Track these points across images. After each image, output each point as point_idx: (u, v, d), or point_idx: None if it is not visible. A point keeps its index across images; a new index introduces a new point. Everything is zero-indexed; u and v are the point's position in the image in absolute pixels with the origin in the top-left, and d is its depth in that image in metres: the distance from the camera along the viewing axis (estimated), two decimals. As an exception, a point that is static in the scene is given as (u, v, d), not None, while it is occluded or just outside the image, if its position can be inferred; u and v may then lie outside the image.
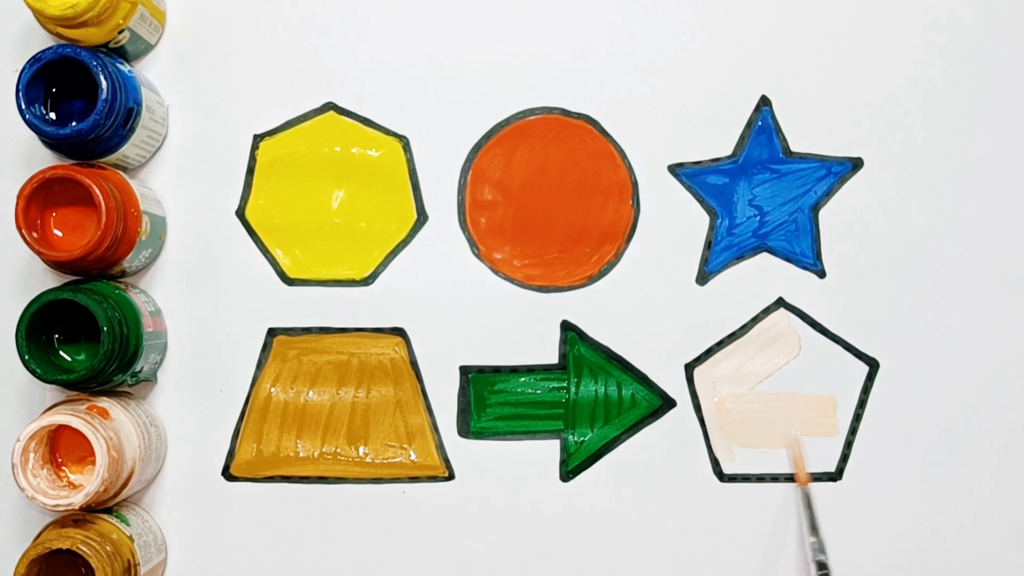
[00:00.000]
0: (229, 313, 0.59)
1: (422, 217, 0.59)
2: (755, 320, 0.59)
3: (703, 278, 0.59)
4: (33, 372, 0.53)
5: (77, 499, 0.52)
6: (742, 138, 0.59)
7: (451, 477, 0.59)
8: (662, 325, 0.59)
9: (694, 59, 0.60)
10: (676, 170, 0.60)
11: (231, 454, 0.59)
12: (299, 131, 0.59)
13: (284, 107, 0.60)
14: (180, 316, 0.59)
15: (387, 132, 0.60)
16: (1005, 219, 0.60)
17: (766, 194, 0.60)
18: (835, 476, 0.59)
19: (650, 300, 0.59)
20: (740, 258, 0.59)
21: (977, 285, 0.59)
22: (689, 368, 0.59)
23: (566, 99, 0.60)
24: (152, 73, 0.59)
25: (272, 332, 0.59)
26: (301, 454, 0.59)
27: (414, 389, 0.59)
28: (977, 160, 0.60)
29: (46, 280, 0.58)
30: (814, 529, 0.55)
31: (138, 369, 0.56)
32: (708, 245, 0.59)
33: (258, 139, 0.59)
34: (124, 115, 0.54)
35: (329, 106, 0.60)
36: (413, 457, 0.59)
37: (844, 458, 0.59)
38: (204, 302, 0.59)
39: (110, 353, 0.53)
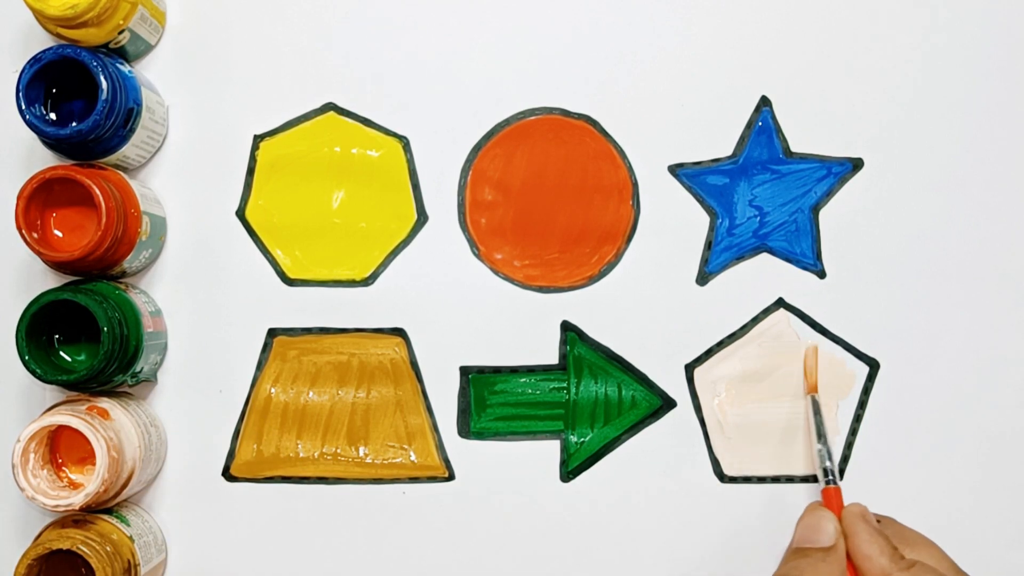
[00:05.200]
0: (229, 313, 0.59)
1: (422, 217, 0.59)
2: (755, 320, 0.59)
3: (703, 278, 0.59)
4: (33, 372, 0.53)
5: (77, 499, 0.52)
6: (742, 138, 0.60)
7: (451, 477, 0.59)
8: (662, 325, 0.59)
9: (694, 59, 0.60)
10: (676, 170, 0.60)
11: (231, 454, 0.59)
12: (299, 131, 0.59)
13: (284, 107, 0.60)
14: (180, 316, 0.59)
15: (387, 132, 0.60)
16: (1004, 219, 0.60)
17: (766, 194, 0.60)
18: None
19: (650, 300, 0.59)
20: (740, 258, 0.59)
21: (977, 285, 0.59)
22: (689, 368, 0.59)
23: (566, 99, 0.60)
24: (152, 73, 0.59)
25: (272, 332, 0.59)
26: (301, 454, 0.59)
27: (414, 389, 0.59)
28: (977, 160, 0.60)
29: (46, 280, 0.58)
30: (820, 436, 0.56)
31: (138, 369, 0.56)
32: (708, 245, 0.59)
33: (258, 139, 0.59)
34: (124, 115, 0.54)
35: (329, 106, 0.60)
36: (413, 457, 0.59)
37: (844, 458, 0.59)
38: (204, 302, 0.59)
39: (110, 353, 0.53)
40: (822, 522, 0.52)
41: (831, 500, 0.54)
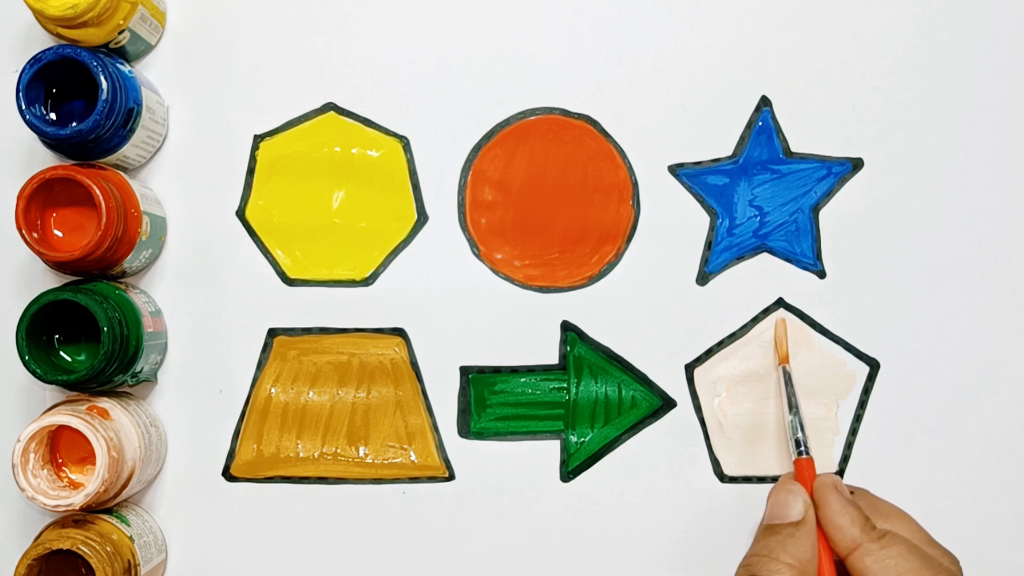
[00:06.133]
0: (229, 313, 0.59)
1: (422, 217, 0.60)
2: (755, 320, 0.59)
3: (703, 278, 0.59)
4: (33, 372, 0.53)
5: (77, 499, 0.52)
6: (742, 138, 0.60)
7: (451, 477, 0.59)
8: (662, 325, 0.59)
9: (694, 59, 0.60)
10: (676, 170, 0.60)
11: (231, 454, 0.59)
12: (299, 131, 0.59)
13: (284, 107, 0.60)
14: (180, 316, 0.59)
15: (387, 132, 0.60)
16: (1005, 219, 0.60)
17: (766, 194, 0.60)
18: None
19: (650, 300, 0.59)
20: (740, 258, 0.59)
21: (977, 285, 0.59)
22: (689, 368, 0.59)
23: (566, 99, 0.60)
24: (152, 73, 0.59)
25: (272, 332, 0.59)
26: (301, 454, 0.59)
27: (414, 389, 0.59)
28: (977, 160, 0.60)
29: (46, 280, 0.58)
30: (792, 408, 0.56)
31: (138, 369, 0.56)
32: (708, 245, 0.59)
33: (258, 139, 0.59)
34: (124, 115, 0.54)
35: (329, 106, 0.60)
36: (413, 457, 0.59)
37: (844, 458, 0.59)
38: (204, 302, 0.59)
39: (110, 353, 0.53)
40: (790, 497, 0.52)
41: (803, 471, 0.54)
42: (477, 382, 0.59)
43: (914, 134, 0.60)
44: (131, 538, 0.55)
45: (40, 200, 0.54)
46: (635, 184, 0.59)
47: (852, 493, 0.53)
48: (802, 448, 0.55)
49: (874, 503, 0.53)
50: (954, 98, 0.60)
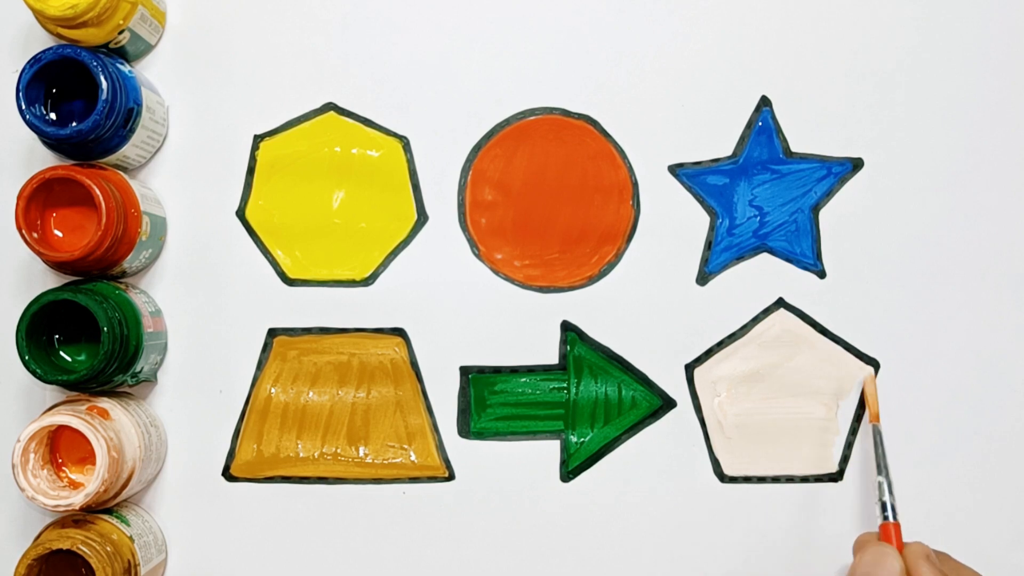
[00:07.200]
0: (229, 313, 0.59)
1: (422, 217, 0.60)
2: (755, 320, 0.59)
3: (703, 278, 0.59)
4: (33, 372, 0.53)
5: (77, 499, 0.52)
6: (742, 138, 0.60)
7: (451, 477, 0.59)
8: (662, 325, 0.59)
9: (694, 59, 0.60)
10: (676, 170, 0.60)
11: (231, 454, 0.59)
12: (299, 131, 0.59)
13: (284, 107, 0.60)
14: (180, 316, 0.59)
15: (387, 132, 0.60)
16: (1005, 219, 0.60)
17: (766, 194, 0.60)
18: (836, 476, 0.59)
19: (650, 300, 0.59)
20: (740, 258, 0.59)
21: (977, 285, 0.59)
22: (689, 368, 0.59)
23: (566, 99, 0.60)
24: (152, 73, 0.59)
25: (272, 332, 0.59)
26: (301, 454, 0.59)
27: (414, 389, 0.59)
28: (977, 160, 0.60)
29: (46, 280, 0.58)
30: (881, 469, 0.56)
31: (138, 369, 0.56)
32: (708, 245, 0.59)
33: (258, 139, 0.59)
34: (124, 115, 0.54)
35: (329, 106, 0.60)
36: (413, 457, 0.59)
37: (844, 459, 0.59)
38: (204, 302, 0.59)
39: (110, 353, 0.53)
40: (888, 559, 0.51)
41: (890, 536, 0.53)
42: (477, 382, 0.59)
43: (914, 134, 0.60)
44: (131, 538, 0.55)
45: (40, 200, 0.54)
46: (635, 184, 0.59)
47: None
48: (888, 513, 0.54)
49: (958, 569, 0.53)
50: (954, 98, 0.60)
